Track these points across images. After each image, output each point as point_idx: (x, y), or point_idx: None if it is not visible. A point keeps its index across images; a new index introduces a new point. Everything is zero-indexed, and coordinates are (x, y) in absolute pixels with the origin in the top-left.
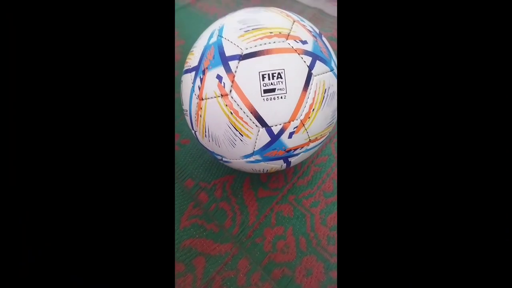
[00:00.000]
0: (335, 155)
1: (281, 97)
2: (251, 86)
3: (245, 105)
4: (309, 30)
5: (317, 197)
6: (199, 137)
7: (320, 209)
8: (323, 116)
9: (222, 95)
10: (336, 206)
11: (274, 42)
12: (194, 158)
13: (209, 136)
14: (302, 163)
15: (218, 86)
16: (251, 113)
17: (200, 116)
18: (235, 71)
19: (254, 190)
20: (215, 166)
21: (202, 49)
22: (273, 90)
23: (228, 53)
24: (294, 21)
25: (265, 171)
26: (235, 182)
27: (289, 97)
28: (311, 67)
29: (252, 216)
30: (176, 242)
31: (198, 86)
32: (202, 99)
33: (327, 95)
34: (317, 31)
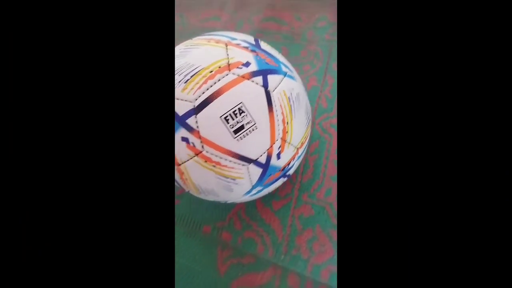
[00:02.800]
0: (325, 135)
1: (253, 129)
2: (220, 133)
3: (223, 153)
4: (245, 47)
5: (327, 184)
6: (194, 194)
7: (334, 197)
8: (299, 121)
9: (196, 154)
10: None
11: (219, 80)
12: (197, 204)
13: (203, 192)
14: None
15: (188, 148)
16: (232, 157)
17: (186, 179)
18: (197, 127)
19: (268, 205)
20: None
21: None
22: (242, 127)
23: (180, 112)
24: (226, 45)
25: (270, 193)
26: (247, 207)
27: (260, 125)
28: (265, 85)
29: (278, 231)
30: None
31: None
32: (180, 165)
33: (293, 101)
34: (253, 41)
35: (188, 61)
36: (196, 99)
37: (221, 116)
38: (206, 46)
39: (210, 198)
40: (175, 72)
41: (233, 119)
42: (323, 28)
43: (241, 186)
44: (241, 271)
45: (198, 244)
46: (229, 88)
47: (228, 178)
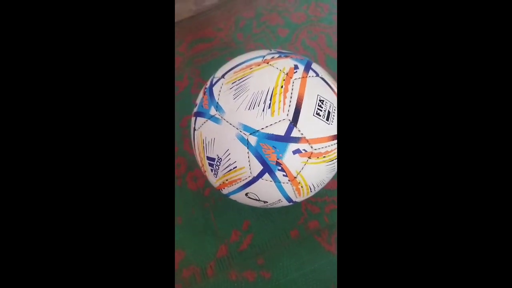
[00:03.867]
0: None
1: (334, 109)
2: (320, 128)
3: (327, 141)
4: (279, 57)
5: None
6: (303, 198)
7: None
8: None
9: (309, 157)
10: None
11: (293, 89)
12: (268, 224)
13: (315, 188)
14: None
15: (300, 156)
16: (332, 140)
17: (302, 187)
18: (302, 134)
19: None
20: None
21: (249, 158)
22: (329, 113)
23: (282, 132)
24: (267, 62)
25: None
26: None
27: (334, 103)
28: (317, 74)
29: None
30: None
31: (283, 175)
32: (295, 177)
33: (327, 75)
34: (273, 50)
35: (255, 90)
36: (288, 114)
37: (313, 114)
38: (255, 72)
39: (317, 190)
40: (250, 107)
41: (321, 111)
42: (246, 26)
43: (337, 161)
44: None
45: (300, 250)
46: (303, 90)
47: (333, 160)
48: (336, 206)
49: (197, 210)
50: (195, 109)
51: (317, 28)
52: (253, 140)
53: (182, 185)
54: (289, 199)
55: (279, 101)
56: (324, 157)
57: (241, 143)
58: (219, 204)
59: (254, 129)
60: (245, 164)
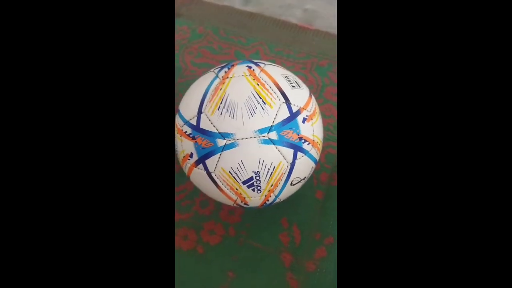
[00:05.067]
0: None
1: (297, 80)
2: (303, 95)
3: (311, 101)
4: (229, 68)
5: None
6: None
7: None
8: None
9: (312, 118)
10: None
11: (265, 81)
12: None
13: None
14: None
15: (308, 121)
16: (311, 98)
17: (319, 144)
18: (298, 106)
19: None
20: None
21: (280, 151)
22: (296, 82)
23: (287, 114)
24: (228, 77)
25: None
26: None
27: (296, 77)
28: (264, 64)
29: None
30: None
31: (307, 144)
32: (313, 140)
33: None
34: (218, 67)
35: (242, 100)
36: (279, 99)
37: (291, 88)
38: (227, 89)
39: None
40: (251, 114)
41: (291, 83)
42: None
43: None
44: None
45: (333, 201)
46: (271, 77)
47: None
48: (328, 151)
49: (238, 252)
50: (195, 158)
51: (193, 46)
52: (273, 135)
53: (205, 250)
54: (315, 161)
55: (267, 95)
56: (316, 112)
57: (267, 145)
58: (251, 229)
59: (268, 127)
60: (280, 159)
